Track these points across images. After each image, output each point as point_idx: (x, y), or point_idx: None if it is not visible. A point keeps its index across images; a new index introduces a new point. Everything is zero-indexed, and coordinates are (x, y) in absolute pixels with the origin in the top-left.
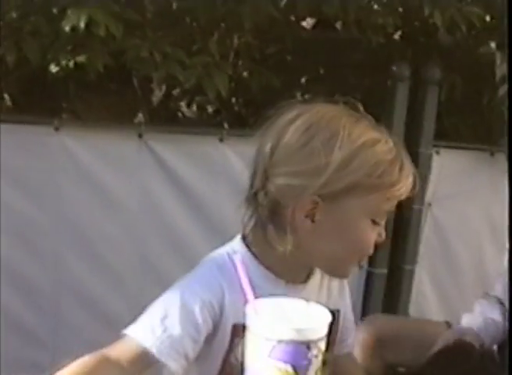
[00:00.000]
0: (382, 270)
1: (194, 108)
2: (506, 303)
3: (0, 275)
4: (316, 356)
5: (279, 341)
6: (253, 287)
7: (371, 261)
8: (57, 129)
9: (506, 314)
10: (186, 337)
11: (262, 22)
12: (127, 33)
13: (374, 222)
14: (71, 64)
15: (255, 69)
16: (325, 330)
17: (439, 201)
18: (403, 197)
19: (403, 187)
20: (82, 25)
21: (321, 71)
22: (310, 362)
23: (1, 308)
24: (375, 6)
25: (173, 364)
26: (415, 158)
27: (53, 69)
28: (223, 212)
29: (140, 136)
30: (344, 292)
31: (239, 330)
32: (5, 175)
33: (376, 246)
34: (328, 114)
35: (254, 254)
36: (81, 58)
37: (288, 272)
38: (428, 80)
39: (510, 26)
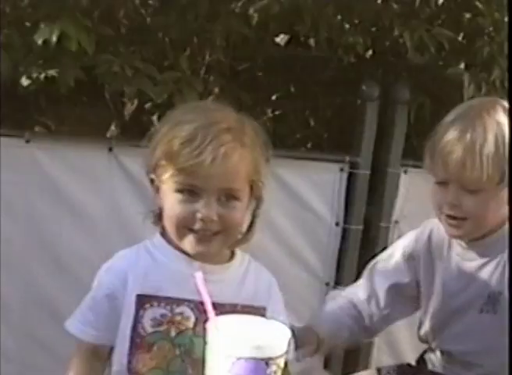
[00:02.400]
0: None
1: None
2: None
3: None
4: (275, 372)
5: (239, 358)
6: (163, 266)
7: (339, 278)
8: (28, 141)
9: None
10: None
11: (234, 39)
12: (99, 48)
13: (182, 193)
14: (42, 77)
15: (226, 85)
16: (284, 348)
17: (406, 219)
18: (198, 170)
19: (185, 161)
20: (54, 39)
21: (292, 89)
22: None
23: None
24: (347, 26)
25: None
26: (383, 176)
27: (24, 82)
28: None
29: (110, 150)
30: (273, 294)
31: (144, 301)
32: None
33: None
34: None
35: (169, 241)
36: (52, 72)
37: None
38: (397, 99)
39: (510, 27)
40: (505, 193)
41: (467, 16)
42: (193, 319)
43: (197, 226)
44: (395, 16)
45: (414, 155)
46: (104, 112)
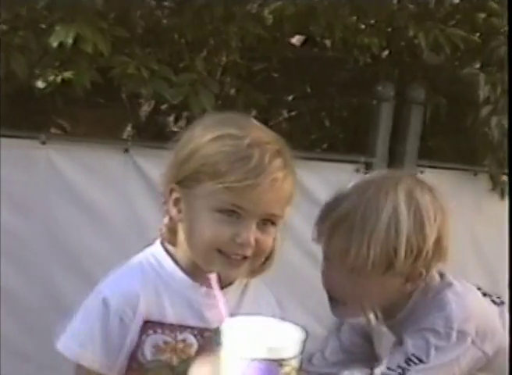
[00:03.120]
0: None
1: (182, 123)
2: None
3: None
4: (289, 374)
5: (253, 359)
6: (170, 290)
7: None
8: (44, 143)
9: None
10: (96, 337)
11: (249, 40)
12: (115, 50)
13: (222, 213)
14: (58, 79)
15: (242, 86)
16: (298, 349)
17: None
18: (250, 192)
19: (239, 180)
20: (70, 41)
21: (308, 89)
22: None
23: None
24: (362, 26)
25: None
26: None
27: (40, 84)
28: None
29: (126, 151)
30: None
31: (148, 327)
32: None
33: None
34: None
35: (171, 256)
36: (68, 74)
37: (201, 275)
38: (412, 100)
39: (510, 28)
40: (393, 281)
41: (482, 16)
42: (195, 346)
43: (232, 249)
44: (410, 16)
45: (429, 155)
46: (120, 113)
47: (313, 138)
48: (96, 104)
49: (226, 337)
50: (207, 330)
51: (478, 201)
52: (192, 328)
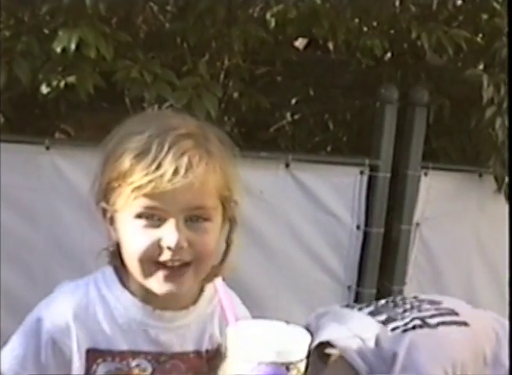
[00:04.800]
0: (371, 290)
1: None
2: None
3: None
4: None
5: (260, 363)
6: (117, 315)
7: (360, 282)
8: (48, 148)
9: None
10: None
11: (252, 43)
12: (118, 54)
13: (141, 219)
14: (62, 85)
15: (245, 89)
16: (304, 352)
17: (428, 221)
18: (158, 188)
19: (141, 177)
20: (73, 46)
21: (311, 92)
22: None
23: None
24: (364, 28)
25: None
26: (404, 179)
27: (44, 89)
28: None
29: None
30: None
31: (97, 356)
32: None
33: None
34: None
35: (121, 279)
36: (72, 79)
37: (153, 297)
38: (416, 102)
39: (510, 28)
40: None
41: (485, 17)
42: (149, 370)
43: (164, 256)
44: (412, 18)
45: (433, 157)
46: (124, 117)
47: (317, 141)
48: (100, 108)
49: (233, 341)
50: (162, 354)
51: (483, 202)
52: (146, 353)
